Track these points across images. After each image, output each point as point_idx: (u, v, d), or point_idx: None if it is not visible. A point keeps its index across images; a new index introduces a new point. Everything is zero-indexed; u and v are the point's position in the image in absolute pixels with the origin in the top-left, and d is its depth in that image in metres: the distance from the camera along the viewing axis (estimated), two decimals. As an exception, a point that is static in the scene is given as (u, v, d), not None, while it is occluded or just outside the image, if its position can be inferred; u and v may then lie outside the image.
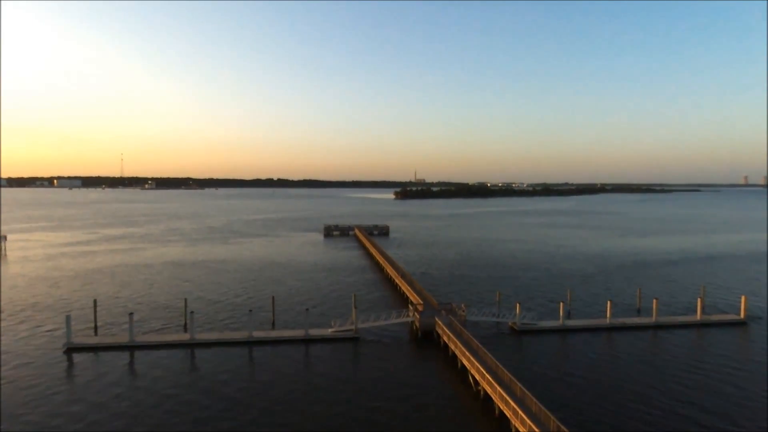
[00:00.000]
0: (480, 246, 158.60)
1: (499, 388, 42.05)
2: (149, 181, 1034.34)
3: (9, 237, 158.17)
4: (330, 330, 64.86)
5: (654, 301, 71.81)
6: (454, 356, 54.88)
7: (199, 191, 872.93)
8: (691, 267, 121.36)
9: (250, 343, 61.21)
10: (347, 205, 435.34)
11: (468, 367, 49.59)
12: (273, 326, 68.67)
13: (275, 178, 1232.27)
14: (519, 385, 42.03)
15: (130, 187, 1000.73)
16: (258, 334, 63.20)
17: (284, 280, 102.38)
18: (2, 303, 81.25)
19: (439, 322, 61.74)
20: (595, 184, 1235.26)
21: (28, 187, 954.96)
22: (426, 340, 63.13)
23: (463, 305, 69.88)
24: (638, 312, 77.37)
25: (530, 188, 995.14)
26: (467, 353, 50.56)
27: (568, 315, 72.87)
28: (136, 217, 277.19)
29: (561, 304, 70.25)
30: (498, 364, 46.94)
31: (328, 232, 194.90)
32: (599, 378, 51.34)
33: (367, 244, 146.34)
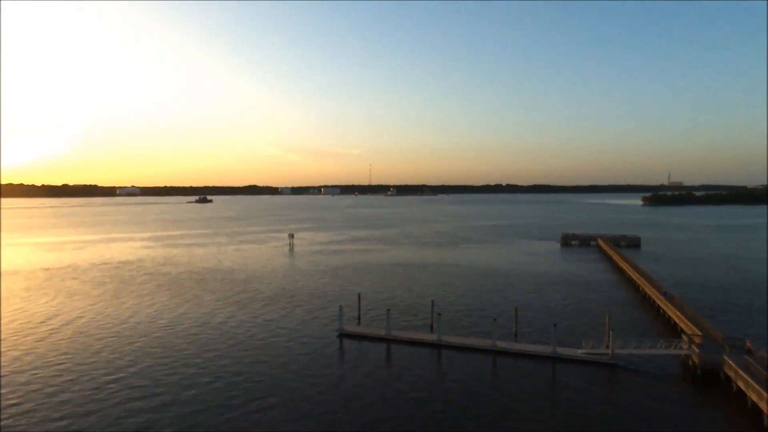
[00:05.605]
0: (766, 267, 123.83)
1: None
2: (391, 188, 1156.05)
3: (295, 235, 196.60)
4: (580, 351, 59.04)
5: None
6: (760, 413, 42.87)
7: (432, 197, 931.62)
8: None
9: (494, 353, 60.44)
10: (581, 212, 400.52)
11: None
12: (515, 338, 66.48)
13: (504, 184, 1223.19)
14: None
15: (376, 193, 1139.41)
16: (502, 344, 61.88)
17: (521, 289, 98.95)
18: (290, 290, 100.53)
19: (731, 363, 49.48)
20: None
21: (304, 194, 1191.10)
22: (708, 381, 51.50)
23: None
24: None
25: None
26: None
27: None
28: (377, 221, 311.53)
29: None
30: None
31: (566, 241, 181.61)
32: None
33: (615, 257, 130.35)
